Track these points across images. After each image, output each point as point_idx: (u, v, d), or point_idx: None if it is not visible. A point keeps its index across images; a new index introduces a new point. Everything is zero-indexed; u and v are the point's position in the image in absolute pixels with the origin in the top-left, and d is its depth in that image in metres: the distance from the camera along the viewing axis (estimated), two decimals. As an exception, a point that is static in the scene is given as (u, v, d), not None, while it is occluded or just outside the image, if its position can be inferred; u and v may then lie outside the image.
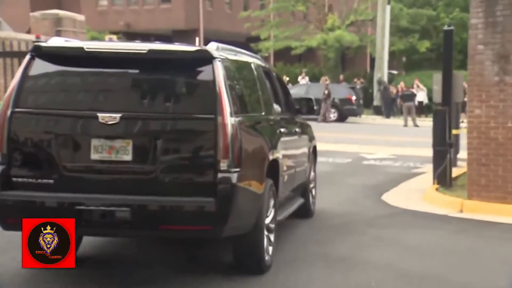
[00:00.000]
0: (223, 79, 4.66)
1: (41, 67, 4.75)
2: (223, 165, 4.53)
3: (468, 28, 8.75)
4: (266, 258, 5.19)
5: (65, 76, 4.85)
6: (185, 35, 35.88)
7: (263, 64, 6.31)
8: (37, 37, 12.55)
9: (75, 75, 4.83)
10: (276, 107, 6.17)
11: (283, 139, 5.87)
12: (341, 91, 27.15)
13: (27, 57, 4.77)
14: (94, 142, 4.58)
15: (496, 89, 8.41)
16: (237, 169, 4.58)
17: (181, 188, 4.54)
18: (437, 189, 9.33)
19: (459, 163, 11.52)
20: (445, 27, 10.40)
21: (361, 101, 28.43)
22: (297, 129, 6.76)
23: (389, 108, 29.26)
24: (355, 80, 32.67)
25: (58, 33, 14.72)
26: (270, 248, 5.30)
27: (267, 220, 5.23)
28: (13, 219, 4.54)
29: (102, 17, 37.01)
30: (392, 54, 33.94)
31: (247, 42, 39.68)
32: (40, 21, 14.90)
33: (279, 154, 5.60)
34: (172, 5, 37.11)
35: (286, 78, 28.41)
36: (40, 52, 4.77)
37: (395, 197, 9.44)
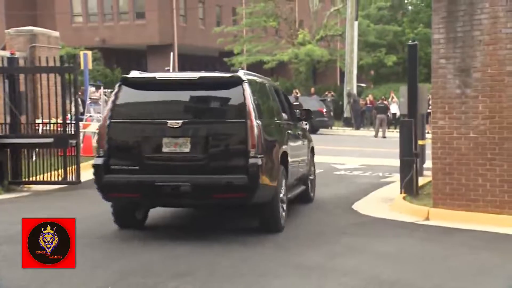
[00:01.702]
0: (249, 95, 6.95)
1: (126, 91, 7.07)
2: (252, 153, 6.71)
3: (431, 43, 8.93)
4: (282, 221, 7.43)
5: (143, 96, 7.16)
6: (160, 50, 35.83)
7: (273, 84, 8.97)
8: (12, 53, 12.40)
9: (150, 95, 7.15)
10: (283, 115, 8.37)
11: (289, 138, 8.14)
12: (312, 103, 27.40)
13: (117, 85, 7.14)
14: (165, 140, 6.83)
15: (458, 101, 8.60)
16: (261, 156, 6.76)
17: (224, 169, 6.72)
18: (404, 198, 9.48)
19: (425, 172, 11.70)
20: (410, 42, 10.60)
21: (331, 113, 28.70)
22: (299, 132, 9.08)
23: (359, 119, 29.62)
24: (326, 93, 32.97)
25: (32, 49, 14.56)
26: (284, 215, 7.51)
27: (281, 195, 7.41)
28: (113, 194, 6.90)
29: (77, 33, 36.73)
30: (360, 68, 34.38)
31: (220, 57, 39.81)
32: (15, 38, 14.76)
33: (287, 148, 7.77)
34: (146, 21, 37.04)
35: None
36: (125, 81, 7.14)
37: (365, 206, 9.56)
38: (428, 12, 31.00)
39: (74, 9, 38.59)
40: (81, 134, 15.81)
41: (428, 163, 10.85)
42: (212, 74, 7.52)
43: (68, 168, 11.53)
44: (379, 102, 27.55)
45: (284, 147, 7.62)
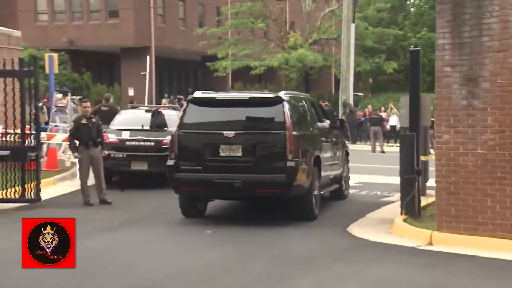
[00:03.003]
0: (288, 111, 9.78)
1: (191, 108, 10.05)
2: (289, 157, 9.52)
3: (435, 49, 8.99)
4: (315, 212, 10.22)
5: (205, 112, 10.09)
6: (135, 53, 35.82)
7: (310, 98, 12.12)
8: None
9: (210, 111, 10.10)
10: (319, 124, 11.24)
11: (323, 144, 11.01)
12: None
13: (186, 102, 10.26)
14: (222, 146, 9.67)
15: (464, 113, 8.65)
16: (297, 159, 9.56)
17: (267, 169, 9.54)
18: (405, 220, 9.51)
19: (428, 191, 11.74)
20: (412, 48, 10.69)
21: (325, 125, 28.72)
22: (333, 139, 11.85)
23: (355, 132, 29.65)
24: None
25: (-9, 50, 14.45)
26: (317, 208, 10.26)
27: (315, 192, 10.20)
28: (182, 188, 9.85)
29: (42, 33, 36.62)
30: (358, 75, 34.60)
31: (203, 61, 39.90)
32: (-29, 38, 14.64)
33: (320, 153, 10.60)
34: (120, 20, 37.01)
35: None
36: (192, 100, 10.18)
37: (361, 228, 9.59)
38: (433, 15, 31.34)
39: (39, 6, 38.50)
40: (45, 146, 15.70)
41: (431, 182, 10.91)
42: (259, 94, 11.08)
43: (26, 185, 11.41)
44: (373, 113, 27.70)
45: (317, 152, 10.46)
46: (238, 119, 9.94)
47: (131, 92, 35.35)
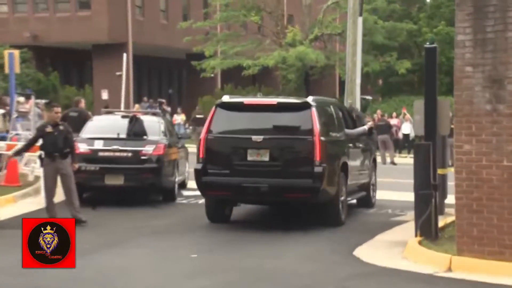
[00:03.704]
0: (316, 117, 11.19)
1: (220, 112, 11.47)
2: (316, 163, 10.92)
3: (454, 46, 9.05)
4: (342, 217, 11.66)
5: (233, 116, 11.57)
6: (109, 50, 35.80)
7: (338, 103, 13.91)
8: None
9: (239, 116, 11.58)
10: (347, 131, 12.64)
11: (350, 150, 12.48)
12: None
13: (214, 107, 11.59)
14: (249, 151, 11.11)
15: (488, 120, 8.71)
16: (324, 165, 10.97)
17: (295, 174, 10.99)
18: (420, 242, 9.52)
19: (446, 210, 11.80)
20: (427, 44, 10.75)
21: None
22: (361, 145, 13.32)
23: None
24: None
25: None
26: (344, 214, 11.71)
27: (342, 198, 11.63)
28: (209, 191, 11.27)
29: (0, 27, 36.63)
30: (365, 76, 34.72)
31: (188, 60, 39.99)
32: None
33: (347, 159, 12.06)
34: (92, 13, 37.03)
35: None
36: (219, 104, 11.59)
37: (370, 252, 9.60)
38: (451, 7, 31.57)
39: (-3, -4, 38.50)
40: (5, 158, 15.64)
41: (450, 198, 10.95)
42: (287, 99, 13.03)
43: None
44: (380, 119, 27.84)
45: (344, 158, 11.95)
46: (266, 124, 11.40)
47: (105, 95, 35.35)
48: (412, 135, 28.38)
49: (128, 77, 30.02)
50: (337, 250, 9.68)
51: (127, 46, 35.94)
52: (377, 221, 12.31)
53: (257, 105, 11.66)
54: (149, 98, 37.48)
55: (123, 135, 13.82)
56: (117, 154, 13.62)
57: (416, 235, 9.79)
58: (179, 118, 33.81)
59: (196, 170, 11.29)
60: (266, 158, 11.05)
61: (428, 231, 9.74)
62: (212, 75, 37.86)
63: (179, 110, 35.64)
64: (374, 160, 14.36)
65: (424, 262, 8.87)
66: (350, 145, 12.57)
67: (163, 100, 35.95)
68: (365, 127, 13.51)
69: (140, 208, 12.86)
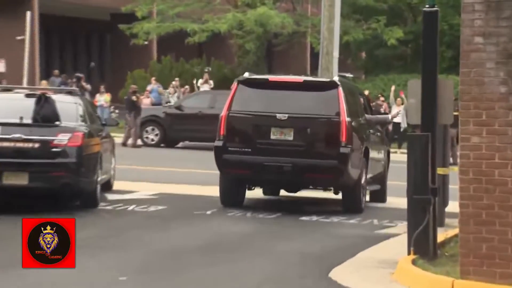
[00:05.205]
0: (343, 96, 14.61)
1: (242, 89, 15.12)
2: (342, 143, 14.33)
3: (461, 10, 9.28)
4: (362, 204, 14.86)
5: (257, 94, 15.32)
6: (7, 7, 35.52)
7: (359, 89, 19.29)
8: None
9: (262, 93, 15.28)
10: (367, 116, 16.04)
11: (370, 136, 15.89)
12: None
13: (235, 83, 15.46)
14: (273, 129, 14.67)
15: (502, 105, 8.93)
16: (350, 146, 14.44)
17: (319, 155, 14.60)
18: (414, 262, 9.75)
19: (447, 220, 12.16)
20: (426, 8, 10.96)
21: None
22: (378, 134, 16.86)
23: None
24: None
25: None
26: (364, 200, 14.98)
27: (363, 181, 14.85)
28: (228, 169, 14.81)
29: None
30: (345, 47, 35.03)
31: (114, 22, 39.84)
32: None
33: (369, 144, 15.36)
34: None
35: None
36: (241, 81, 15.26)
37: (351, 274, 9.80)
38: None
39: None
40: None
41: (453, 206, 11.19)
42: (313, 78, 17.16)
43: None
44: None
45: (366, 143, 15.15)
46: (291, 102, 14.61)
47: (1, 67, 35.14)
48: (404, 124, 28.71)
49: (32, 44, 29.91)
50: (309, 272, 9.87)
51: (32, 3, 35.73)
52: (359, 234, 12.58)
53: (282, 82, 15.33)
54: (61, 72, 37.38)
55: (27, 120, 13.83)
56: (20, 145, 13.63)
57: (409, 253, 10.03)
58: (102, 98, 33.74)
59: (216, 148, 14.59)
60: (290, 137, 14.47)
61: (425, 248, 9.98)
62: (146, 42, 37.91)
63: (102, 88, 35.52)
64: (388, 153, 17.75)
65: (419, 286, 9.09)
66: (371, 131, 16.01)
67: (81, 75, 35.82)
68: (388, 116, 17.16)
69: (51, 217, 12.93)
